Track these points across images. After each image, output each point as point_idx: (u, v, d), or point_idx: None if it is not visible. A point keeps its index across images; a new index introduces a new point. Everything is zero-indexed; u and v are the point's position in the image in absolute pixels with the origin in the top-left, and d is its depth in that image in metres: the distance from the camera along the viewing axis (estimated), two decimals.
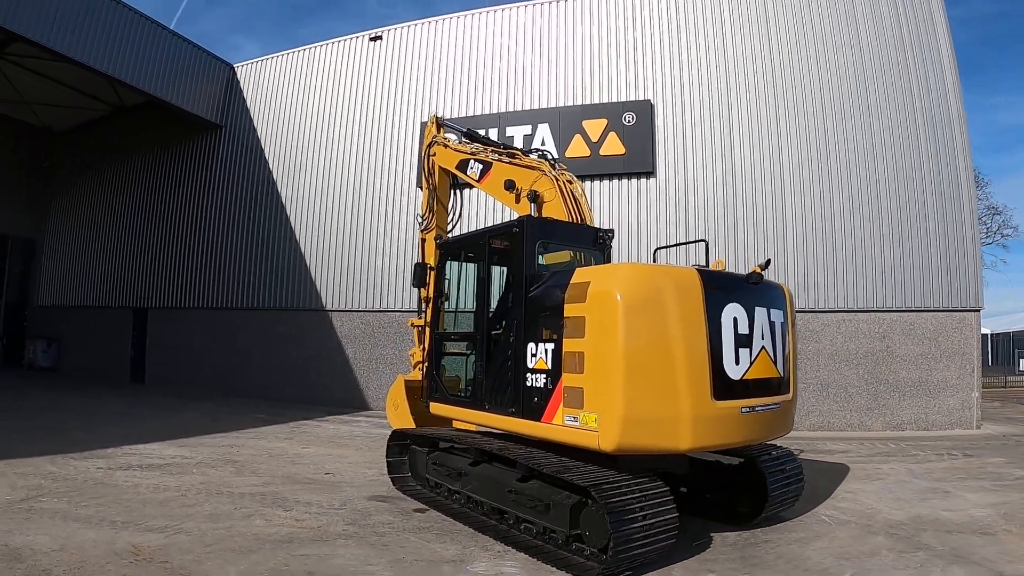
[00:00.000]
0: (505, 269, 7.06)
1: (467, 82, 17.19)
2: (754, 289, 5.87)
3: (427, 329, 7.92)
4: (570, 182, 7.41)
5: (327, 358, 17.80)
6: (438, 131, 9.34)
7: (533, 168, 7.62)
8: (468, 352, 7.26)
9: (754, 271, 5.90)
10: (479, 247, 7.06)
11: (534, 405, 5.74)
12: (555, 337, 5.58)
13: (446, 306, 7.75)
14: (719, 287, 5.61)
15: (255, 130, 19.91)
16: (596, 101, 16.12)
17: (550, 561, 5.23)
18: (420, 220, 9.40)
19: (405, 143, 17.57)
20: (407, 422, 8.25)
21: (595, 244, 7.19)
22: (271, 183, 19.30)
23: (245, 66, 20.48)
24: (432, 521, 6.50)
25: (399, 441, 7.81)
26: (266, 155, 19.60)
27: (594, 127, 15.70)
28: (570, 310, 5.47)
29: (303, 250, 18.63)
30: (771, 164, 14.89)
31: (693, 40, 15.72)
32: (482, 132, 10.48)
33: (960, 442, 12.12)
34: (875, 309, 14.15)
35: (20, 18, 14.77)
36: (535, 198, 7.32)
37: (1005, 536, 6.17)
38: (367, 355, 17.31)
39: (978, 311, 14.24)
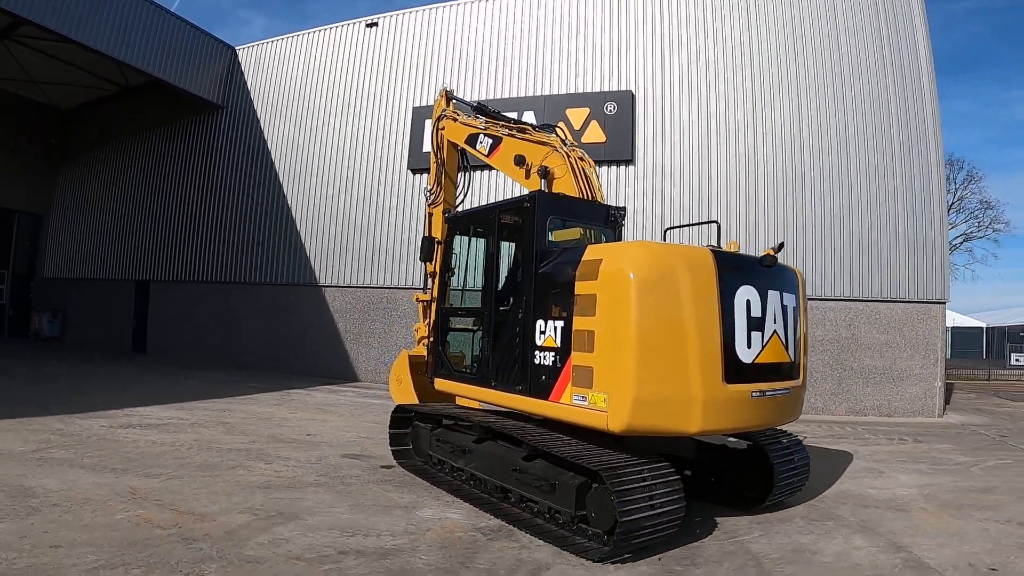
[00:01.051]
0: (513, 244, 6.96)
1: (457, 68, 17.77)
2: (768, 272, 5.77)
3: (433, 304, 7.81)
4: (581, 159, 7.24)
5: (319, 331, 18.59)
6: (447, 104, 9.19)
7: (543, 144, 7.47)
8: (475, 328, 7.19)
9: (767, 253, 5.81)
10: (488, 221, 6.95)
11: (542, 383, 5.67)
12: (565, 315, 5.49)
13: (453, 281, 7.64)
14: (733, 268, 5.51)
15: (255, 111, 20.61)
16: (580, 90, 16.73)
17: (554, 541, 5.14)
18: (427, 194, 9.27)
19: (397, 127, 18.21)
20: (410, 397, 8.22)
21: (606, 222, 7.11)
22: (270, 162, 20.01)
23: (246, 49, 21.14)
24: (395, 476, 7.22)
25: (403, 415, 7.68)
26: (265, 135, 20.30)
27: (577, 115, 16.27)
28: (581, 287, 5.37)
29: (299, 227, 19.39)
30: (745, 155, 15.42)
31: (675, 32, 16.21)
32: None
33: (917, 429, 12.50)
34: (842, 298, 14.68)
35: (28, 3, 15.38)
36: (545, 174, 7.18)
37: (919, 513, 6.48)
38: (357, 329, 18.10)
39: (943, 303, 14.75)
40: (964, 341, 47.26)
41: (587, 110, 16.27)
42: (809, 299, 14.48)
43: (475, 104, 8.89)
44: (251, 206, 20.27)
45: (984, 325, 51.58)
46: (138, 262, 22.81)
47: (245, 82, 20.89)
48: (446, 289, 7.63)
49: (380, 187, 18.29)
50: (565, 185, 7.02)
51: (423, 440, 7.37)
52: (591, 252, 5.50)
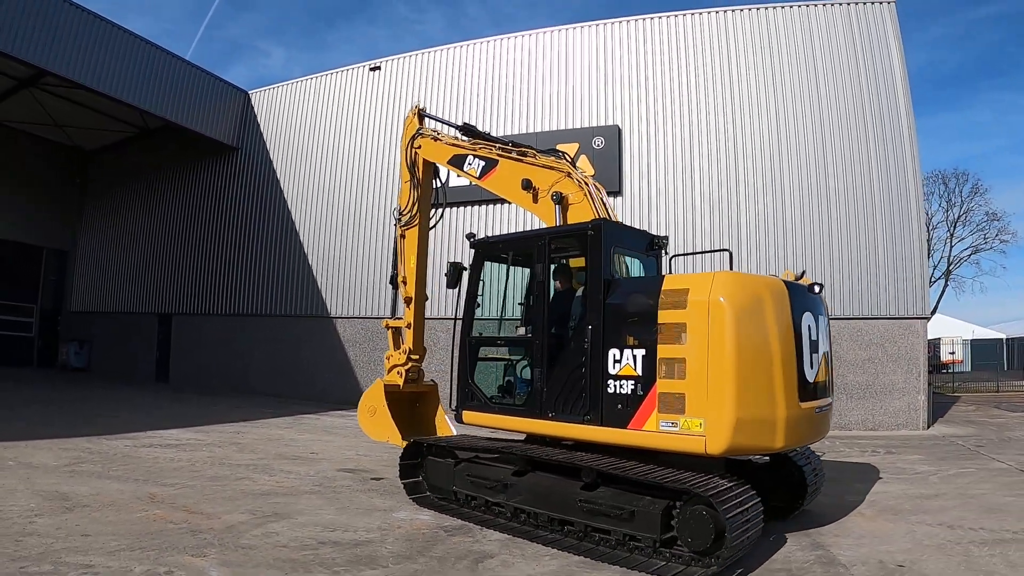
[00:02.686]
0: (528, 271, 7.12)
1: (454, 108, 18.69)
2: (814, 298, 6.16)
3: (459, 334, 7.39)
4: (597, 186, 7.27)
5: (331, 360, 19.58)
6: (420, 122, 9.17)
7: (553, 168, 7.41)
8: (518, 358, 7.11)
9: (814, 283, 6.24)
10: (537, 249, 6.78)
11: (618, 412, 5.74)
12: (646, 343, 5.63)
13: (482, 310, 7.50)
14: (796, 296, 5.85)
15: (268, 151, 21.83)
16: (569, 127, 17.65)
17: (637, 568, 5.16)
18: (398, 216, 9.11)
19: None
20: (388, 431, 8.23)
21: (648, 250, 7.22)
22: (283, 200, 21.17)
23: (259, 93, 22.42)
24: (381, 486, 8.07)
25: (412, 452, 7.40)
26: (278, 175, 21.50)
27: (567, 151, 17.02)
28: (666, 316, 5.52)
29: (310, 261, 20.49)
30: (728, 182, 16.15)
31: (658, 66, 17.09)
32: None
33: (895, 441, 12.83)
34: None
35: (52, 57, 16.68)
36: (560, 200, 7.11)
37: (855, 517, 6.89)
38: (366, 357, 19.04)
39: (925, 319, 15.25)
40: (983, 353, 47.18)
41: (576, 145, 17.10)
42: None
43: (461, 125, 8.80)
44: (266, 242, 21.45)
45: (1004, 336, 51.57)
46: (161, 296, 24.03)
47: (258, 124, 22.15)
48: (472, 318, 7.37)
49: (387, 221, 19.19)
50: (582, 211, 7.00)
51: (442, 476, 7.02)
52: (672, 282, 5.75)
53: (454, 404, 7.40)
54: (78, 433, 10.84)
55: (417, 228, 9.02)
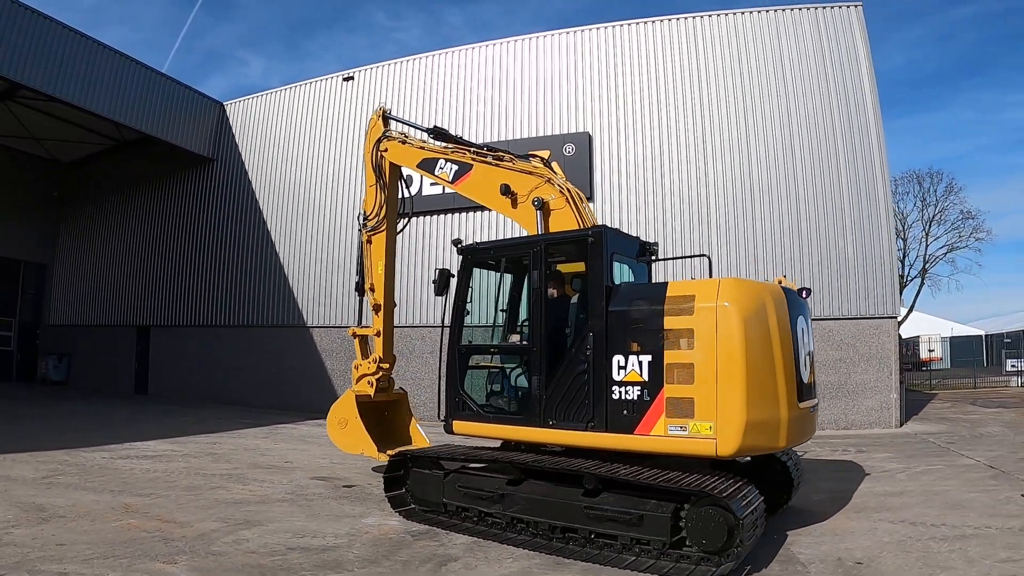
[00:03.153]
0: (510, 279, 7.26)
1: (427, 116, 18.69)
2: (803, 302, 6.44)
3: (447, 342, 7.22)
4: (578, 192, 7.27)
5: (308, 369, 19.68)
6: (386, 125, 9.07)
7: (533, 174, 7.38)
8: (512, 366, 7.05)
9: (803, 288, 6.55)
10: (531, 256, 6.72)
11: (623, 418, 5.81)
12: (653, 349, 5.74)
13: (472, 318, 7.40)
14: (791, 301, 6.08)
15: (243, 162, 21.92)
16: (541, 134, 17.89)
17: (647, 571, 5.26)
18: (363, 221, 9.00)
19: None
20: (362, 443, 8.20)
21: (638, 256, 7.31)
22: (258, 211, 21.27)
23: (234, 104, 22.49)
24: (352, 493, 8.20)
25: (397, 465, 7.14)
26: (253, 185, 21.58)
27: (540, 156, 17.27)
28: (673, 322, 5.65)
29: (287, 272, 20.61)
30: (698, 186, 16.43)
31: (627, 73, 17.36)
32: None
33: (867, 440, 12.96)
34: None
35: (27, 71, 16.70)
36: (541, 205, 7.10)
37: (819, 516, 6.99)
38: (344, 366, 18.93)
39: (895, 318, 15.58)
40: (963, 350, 47.85)
41: (548, 152, 17.17)
42: None
43: (432, 128, 8.68)
44: (242, 253, 21.51)
45: (983, 333, 52.27)
46: (139, 308, 24.02)
47: (233, 135, 22.21)
48: (461, 325, 7.23)
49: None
50: (564, 218, 7.03)
51: (429, 488, 6.79)
52: (676, 288, 5.89)
53: (441, 415, 7.21)
54: (56, 446, 10.89)
55: (384, 233, 8.94)
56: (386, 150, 8.86)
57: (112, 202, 25.64)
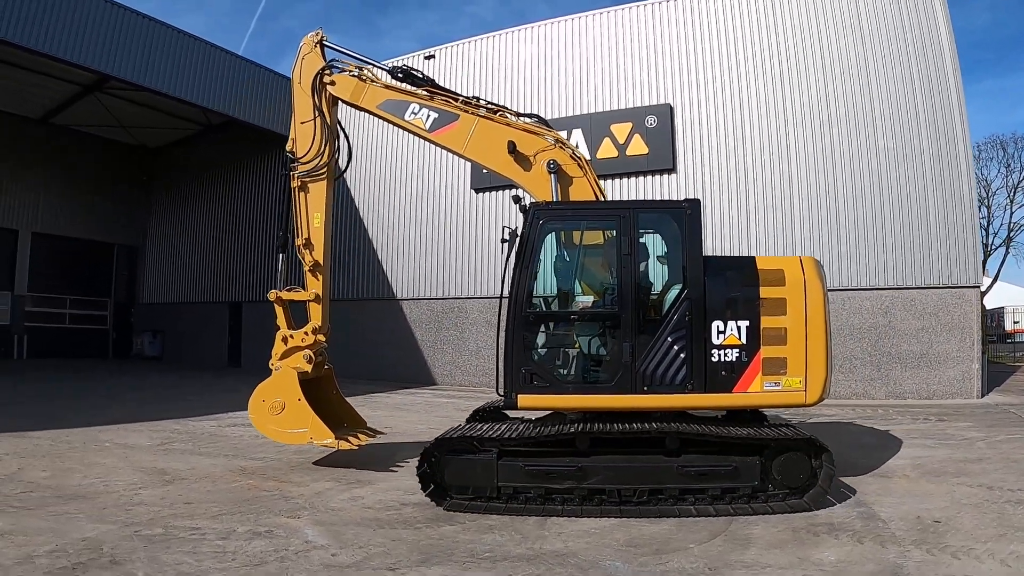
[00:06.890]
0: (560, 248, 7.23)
1: (510, 93, 19.05)
2: None
3: (508, 308, 6.53)
4: (588, 160, 7.00)
5: (398, 340, 20.36)
6: (322, 51, 7.83)
7: (538, 134, 6.98)
8: (595, 333, 6.74)
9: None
10: (622, 221, 6.59)
11: (722, 378, 6.32)
12: (750, 315, 6.35)
13: (539, 284, 6.87)
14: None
15: None
16: (622, 107, 17.93)
17: (743, 513, 5.89)
18: (292, 162, 7.68)
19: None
20: (312, 428, 7.15)
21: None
22: (346, 188, 21.72)
23: None
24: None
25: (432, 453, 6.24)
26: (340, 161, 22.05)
27: (620, 130, 17.49)
28: (768, 292, 6.38)
29: (375, 246, 21.26)
30: (780, 156, 16.31)
31: (707, 45, 17.25)
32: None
33: (948, 410, 12.89)
34: (877, 287, 15.31)
35: (115, 63, 17.56)
36: (557, 169, 6.83)
37: (899, 479, 7.17)
38: (432, 338, 19.81)
39: (977, 287, 15.30)
40: None
41: (630, 124, 17.43)
42: (845, 289, 15.22)
43: (396, 68, 7.73)
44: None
45: None
46: (230, 285, 25.16)
47: None
48: (529, 291, 6.60)
49: (447, 207, 19.97)
50: (582, 188, 6.93)
51: (478, 473, 6.12)
52: (765, 263, 6.75)
53: (501, 389, 6.61)
54: (165, 416, 11.66)
55: (324, 180, 7.71)
56: (333, 83, 7.69)
57: (199, 183, 26.80)
